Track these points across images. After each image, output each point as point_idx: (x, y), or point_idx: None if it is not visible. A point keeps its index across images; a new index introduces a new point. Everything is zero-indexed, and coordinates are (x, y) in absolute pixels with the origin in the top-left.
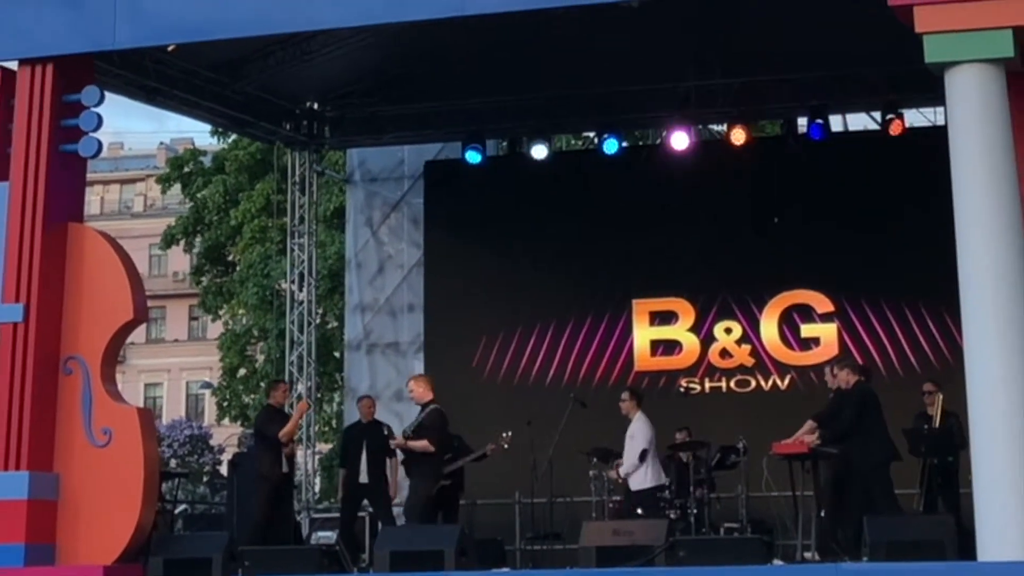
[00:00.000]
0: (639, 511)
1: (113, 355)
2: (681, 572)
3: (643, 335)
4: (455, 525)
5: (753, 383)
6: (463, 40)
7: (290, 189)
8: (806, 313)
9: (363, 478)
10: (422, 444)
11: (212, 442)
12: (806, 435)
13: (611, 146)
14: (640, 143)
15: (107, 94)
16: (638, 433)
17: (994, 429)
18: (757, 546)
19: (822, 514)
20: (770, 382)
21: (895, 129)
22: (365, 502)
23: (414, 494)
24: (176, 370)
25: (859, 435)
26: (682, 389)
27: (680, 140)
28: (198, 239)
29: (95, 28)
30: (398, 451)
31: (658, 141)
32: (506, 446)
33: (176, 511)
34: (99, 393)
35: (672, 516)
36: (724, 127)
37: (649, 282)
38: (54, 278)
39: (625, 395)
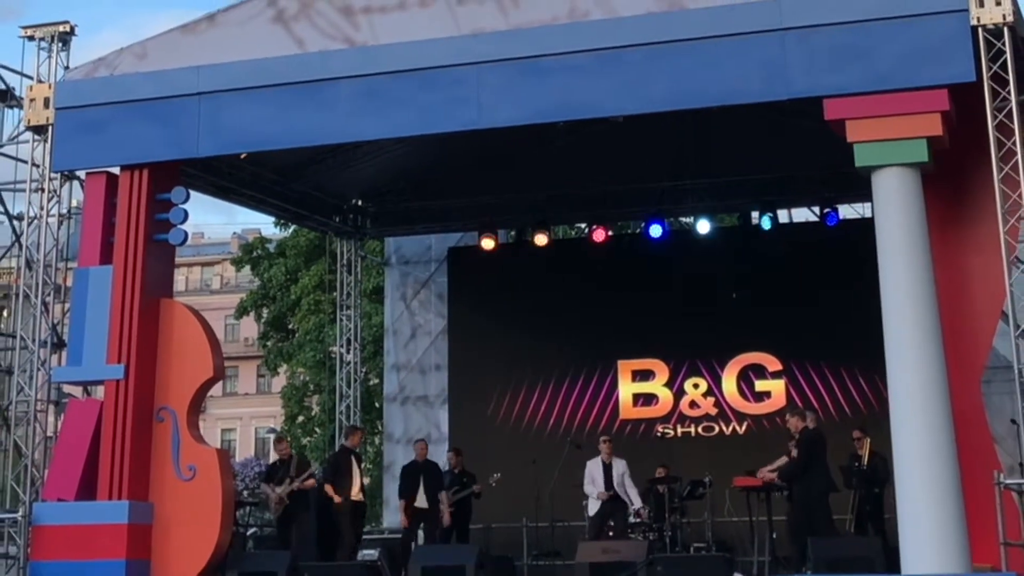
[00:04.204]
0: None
1: (197, 406)
2: None
3: (626, 389)
4: (475, 545)
5: (717, 429)
6: (479, 148)
7: (339, 270)
8: (759, 371)
9: (421, 505)
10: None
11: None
12: (766, 472)
13: (599, 235)
14: (624, 232)
15: (191, 192)
16: (627, 471)
17: (913, 467)
18: (721, 562)
19: (774, 535)
20: (730, 428)
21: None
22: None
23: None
24: (247, 418)
25: (807, 471)
26: (659, 434)
27: (656, 230)
28: (265, 311)
29: (182, 140)
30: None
31: (638, 231)
32: (493, 484)
33: (248, 533)
34: (185, 437)
35: (651, 538)
36: (692, 219)
37: (631, 346)
38: (149, 343)
39: (608, 439)
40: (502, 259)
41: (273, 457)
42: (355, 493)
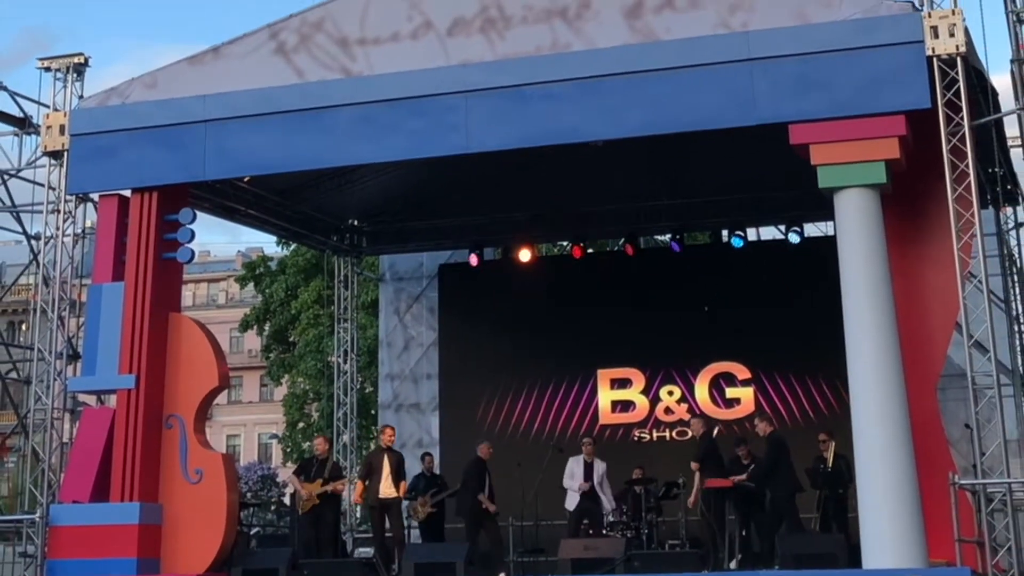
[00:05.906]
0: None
1: (204, 413)
2: None
3: (605, 396)
4: (465, 543)
5: (690, 433)
6: (468, 171)
7: (337, 286)
8: (730, 379)
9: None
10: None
11: (278, 480)
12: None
13: (579, 252)
14: (604, 249)
15: (198, 213)
16: (605, 473)
17: (874, 469)
18: (693, 558)
19: (743, 533)
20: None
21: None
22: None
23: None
24: (251, 425)
25: (774, 473)
26: (635, 438)
27: (631, 248)
28: (267, 324)
29: (190, 164)
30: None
31: (616, 248)
32: None
33: (251, 532)
34: (193, 442)
35: (629, 535)
36: (667, 237)
37: (610, 356)
38: (158, 354)
39: (590, 440)
40: (489, 275)
41: (274, 460)
42: (383, 491)
